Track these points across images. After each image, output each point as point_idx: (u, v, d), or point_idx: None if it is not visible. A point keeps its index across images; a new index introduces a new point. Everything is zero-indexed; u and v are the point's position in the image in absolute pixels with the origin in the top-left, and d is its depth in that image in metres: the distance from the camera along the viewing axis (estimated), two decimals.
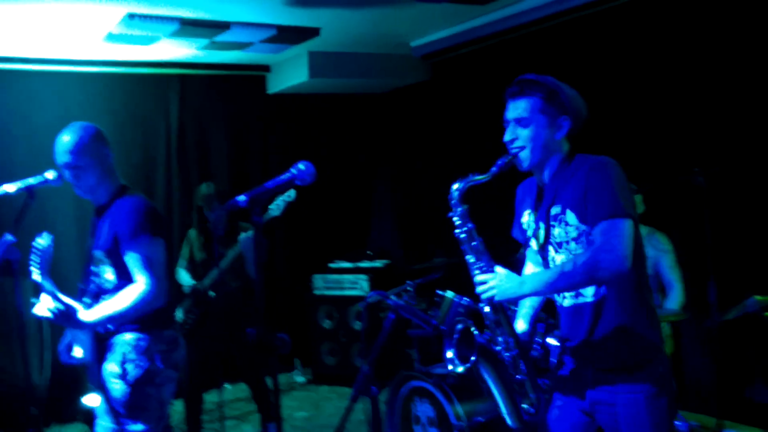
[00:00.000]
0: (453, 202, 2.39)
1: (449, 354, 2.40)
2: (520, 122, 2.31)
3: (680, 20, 4.42)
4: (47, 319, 2.84)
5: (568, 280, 2.18)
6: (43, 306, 2.83)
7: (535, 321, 2.50)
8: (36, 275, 2.85)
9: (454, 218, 2.40)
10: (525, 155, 2.32)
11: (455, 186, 2.38)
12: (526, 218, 2.48)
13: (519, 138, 2.32)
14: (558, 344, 2.40)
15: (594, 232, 2.18)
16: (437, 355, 5.14)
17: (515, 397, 2.37)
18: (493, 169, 2.32)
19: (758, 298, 3.51)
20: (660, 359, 2.28)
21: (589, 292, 2.29)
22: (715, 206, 3.62)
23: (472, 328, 2.48)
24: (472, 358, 2.34)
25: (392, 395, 4.05)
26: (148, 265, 2.85)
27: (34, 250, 2.87)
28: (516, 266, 2.44)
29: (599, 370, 2.28)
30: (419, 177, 6.70)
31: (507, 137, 2.35)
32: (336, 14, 4.93)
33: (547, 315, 2.51)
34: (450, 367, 2.40)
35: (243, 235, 4.56)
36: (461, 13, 5.17)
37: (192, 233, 4.99)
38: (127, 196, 2.98)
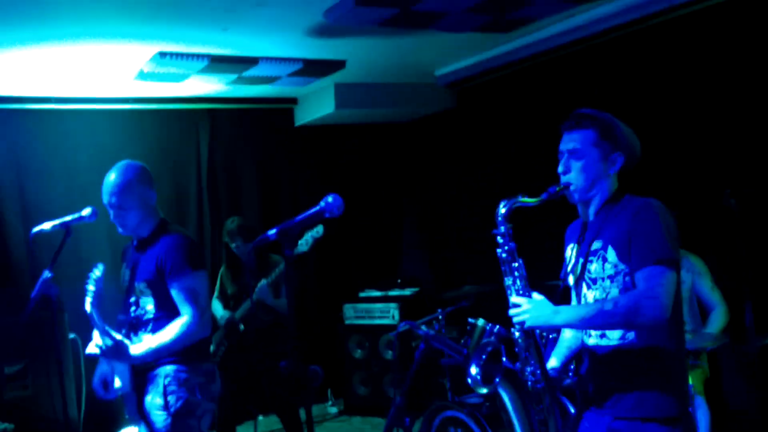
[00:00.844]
0: (498, 219, 2.38)
1: (473, 370, 2.37)
2: (574, 154, 2.32)
3: (710, 41, 4.40)
4: (96, 355, 2.92)
5: (605, 319, 2.15)
6: (93, 343, 2.91)
7: (567, 361, 2.48)
8: (88, 305, 2.93)
9: (497, 236, 2.40)
10: (576, 187, 2.33)
11: (502, 204, 2.38)
12: (569, 252, 2.47)
13: (571, 170, 2.33)
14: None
15: (637, 276, 2.16)
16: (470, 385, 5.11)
17: (536, 430, 2.34)
18: (543, 195, 2.33)
19: None
20: (683, 418, 2.20)
21: (615, 335, 2.26)
22: (748, 228, 3.57)
23: (502, 352, 2.46)
24: (497, 380, 2.32)
25: (426, 426, 4.02)
26: (193, 298, 2.93)
27: (89, 280, 2.97)
28: (554, 297, 2.42)
29: (617, 419, 2.23)
30: (447, 204, 6.70)
31: (560, 168, 2.36)
32: (361, 46, 4.99)
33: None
34: (470, 381, 2.37)
35: (258, 286, 4.59)
36: (485, 41, 5.20)
37: (223, 270, 5.05)
38: (169, 231, 3.09)
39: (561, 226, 2.60)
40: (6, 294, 5.26)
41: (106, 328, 2.88)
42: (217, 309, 4.94)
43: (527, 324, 2.25)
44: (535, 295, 2.31)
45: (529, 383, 2.33)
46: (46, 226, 3.08)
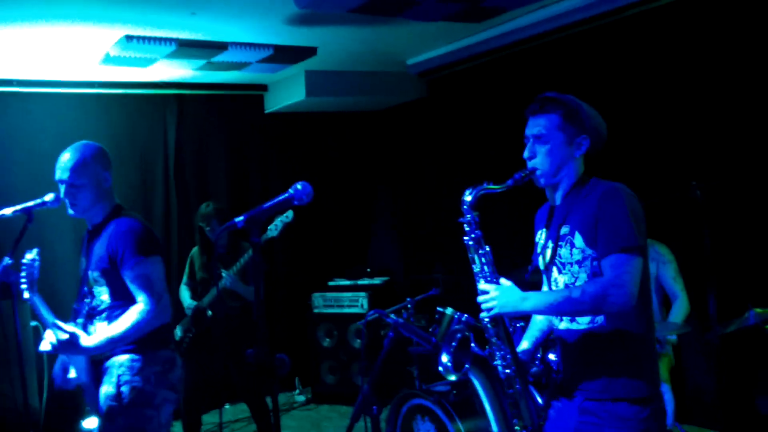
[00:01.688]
0: (464, 207, 2.37)
1: (444, 358, 2.37)
2: (539, 139, 2.32)
3: (675, 34, 4.45)
4: (50, 351, 2.85)
5: (572, 306, 2.18)
6: (46, 341, 2.83)
7: (538, 344, 2.50)
8: (26, 293, 2.86)
9: (464, 224, 2.39)
10: (542, 172, 2.33)
11: (468, 191, 2.37)
12: (539, 236, 2.48)
13: (537, 154, 2.33)
14: (557, 359, 2.39)
15: (603, 263, 2.18)
16: (438, 372, 5.14)
17: (509, 415, 2.35)
18: (509, 181, 2.32)
19: (758, 310, 3.51)
20: (653, 399, 2.24)
21: (584, 320, 2.29)
22: (713, 220, 3.63)
23: (471, 339, 2.46)
24: (466, 366, 2.32)
25: (393, 414, 4.03)
26: (148, 285, 2.85)
27: (22, 266, 2.88)
28: (522, 283, 2.43)
29: (587, 400, 2.26)
30: (417, 193, 6.72)
31: (526, 153, 2.36)
32: (333, 33, 4.96)
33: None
34: (441, 369, 2.38)
35: (225, 273, 4.56)
36: (456, 31, 5.20)
37: (194, 252, 5.00)
38: (121, 216, 2.98)
39: (530, 211, 2.61)
40: None
41: (56, 321, 2.80)
42: (185, 297, 4.89)
43: (495, 310, 2.26)
44: (503, 281, 2.32)
45: (500, 368, 2.34)
46: (7, 211, 3.00)
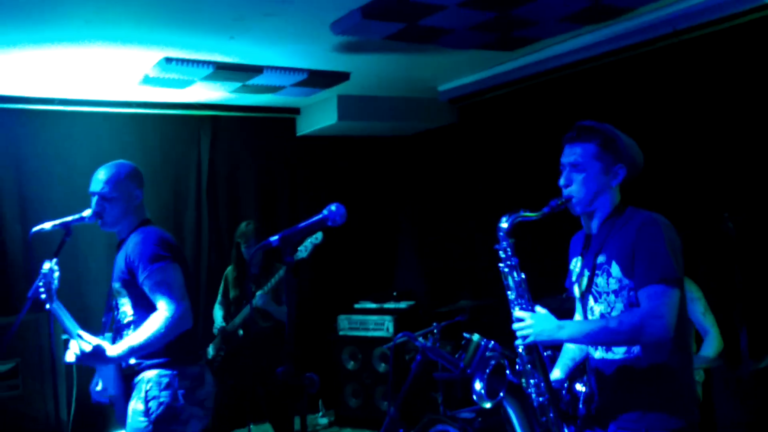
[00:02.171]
0: (500, 234, 2.38)
1: (478, 386, 2.37)
2: (576, 167, 2.33)
3: (708, 64, 4.44)
4: (74, 362, 2.88)
5: (609, 337, 2.18)
6: (71, 352, 2.86)
7: (570, 373, 2.49)
8: (47, 303, 2.89)
9: (500, 251, 2.40)
10: (578, 200, 2.33)
11: (504, 219, 2.38)
12: (574, 264, 2.48)
13: (573, 182, 2.34)
14: (585, 389, 2.38)
15: (641, 294, 2.18)
16: (462, 398, 5.10)
17: None
18: (545, 209, 2.33)
19: None
20: (689, 430, 2.23)
21: (620, 350, 2.28)
22: (745, 252, 3.59)
23: (506, 366, 2.46)
24: (501, 394, 2.32)
25: None
26: (168, 289, 2.86)
27: (40, 275, 2.91)
28: (559, 311, 2.43)
29: (621, 429, 2.25)
30: (445, 219, 6.72)
31: (562, 181, 2.37)
32: (366, 59, 5.03)
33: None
34: (474, 396, 2.38)
35: (259, 293, 4.60)
36: (489, 58, 5.24)
37: (229, 270, 5.05)
38: (142, 227, 3.04)
39: (564, 239, 2.61)
40: (2, 293, 5.26)
41: (80, 332, 2.82)
42: (218, 316, 4.94)
43: (531, 338, 2.26)
44: (539, 309, 2.32)
45: (533, 396, 2.33)
46: (46, 225, 3.07)
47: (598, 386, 2.35)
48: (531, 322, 2.26)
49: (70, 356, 2.87)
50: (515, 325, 2.30)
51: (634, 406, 2.22)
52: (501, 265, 2.40)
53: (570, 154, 2.35)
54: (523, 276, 2.38)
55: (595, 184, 2.32)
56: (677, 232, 2.25)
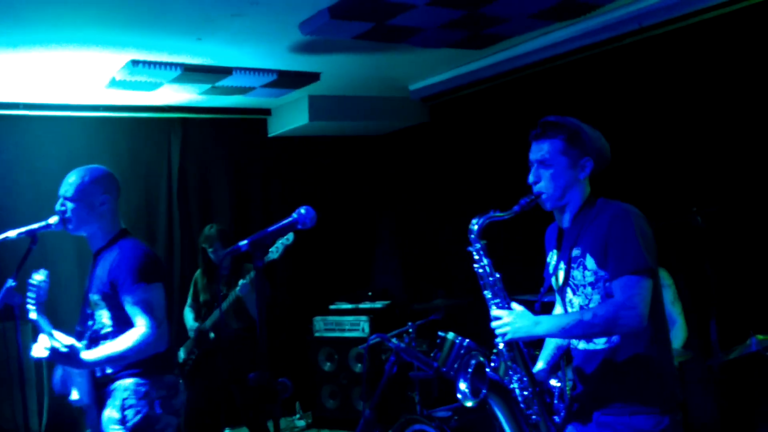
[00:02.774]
0: (472, 236, 2.40)
1: (462, 386, 2.39)
2: (543, 164, 2.35)
3: (675, 60, 4.50)
4: (44, 359, 2.81)
5: (584, 330, 2.21)
6: (41, 346, 2.80)
7: (554, 363, 2.51)
8: (32, 313, 2.84)
9: (473, 253, 2.42)
10: (547, 195, 2.36)
11: (474, 221, 2.40)
12: (551, 257, 2.51)
13: (542, 179, 2.36)
14: (559, 385, 2.40)
15: (614, 285, 2.21)
16: (438, 397, 5.11)
17: None
18: (516, 207, 2.35)
19: (760, 337, 3.51)
20: (672, 410, 2.27)
21: (600, 341, 2.32)
22: (715, 246, 3.64)
23: (486, 364, 2.47)
24: (483, 392, 2.33)
25: None
26: (149, 310, 2.84)
27: (29, 287, 2.87)
28: (532, 307, 2.45)
29: (604, 414, 2.29)
30: (419, 217, 6.73)
31: (530, 179, 2.39)
32: (336, 59, 5.01)
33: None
34: (459, 396, 2.39)
35: (242, 282, 4.57)
36: (459, 57, 5.26)
37: (198, 274, 5.01)
38: (125, 240, 2.99)
39: (538, 233, 2.62)
40: None
41: (53, 333, 2.78)
42: (189, 319, 4.90)
43: (509, 336, 2.29)
44: (515, 306, 2.34)
45: (518, 391, 2.36)
46: (12, 233, 3.01)
47: (582, 377, 2.38)
48: (508, 320, 2.28)
49: (39, 350, 2.79)
50: (493, 324, 2.33)
51: (617, 391, 2.26)
52: (475, 266, 2.43)
53: (537, 151, 2.37)
54: (497, 275, 2.40)
55: (564, 179, 2.34)
56: (648, 221, 2.28)
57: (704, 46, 4.31)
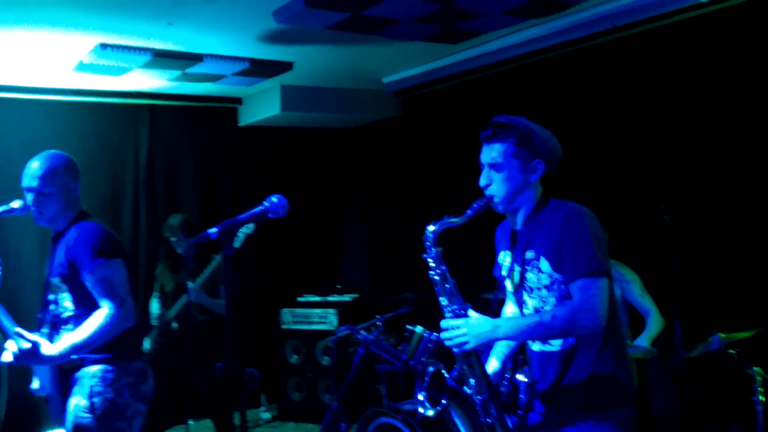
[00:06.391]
0: (427, 243, 2.39)
1: (420, 397, 2.38)
2: (494, 167, 2.34)
3: (644, 60, 4.55)
4: (13, 363, 2.77)
5: (543, 332, 2.21)
6: (9, 352, 2.76)
7: (507, 361, 2.51)
8: None
9: (429, 260, 2.41)
10: (499, 199, 2.35)
11: (430, 228, 2.39)
12: (502, 258, 2.50)
13: (493, 181, 2.35)
14: (527, 380, 2.41)
15: (571, 287, 2.22)
16: (406, 390, 5.11)
17: None
18: (469, 212, 2.34)
19: (722, 335, 3.57)
20: (626, 404, 2.30)
21: (556, 342, 2.32)
22: (680, 244, 3.69)
23: (444, 371, 2.47)
24: (443, 402, 2.33)
25: None
26: (109, 288, 2.80)
27: None
28: (489, 306, 2.45)
29: (563, 414, 2.31)
30: (389, 211, 6.72)
31: (482, 181, 2.37)
32: (310, 49, 4.97)
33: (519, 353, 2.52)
34: (420, 410, 2.38)
35: (191, 285, 4.51)
36: (433, 51, 5.25)
37: (160, 265, 4.94)
38: (82, 221, 2.94)
39: (490, 232, 2.62)
40: None
41: (16, 328, 2.73)
42: (154, 308, 4.84)
43: (470, 344, 2.25)
44: (472, 314, 2.32)
45: (476, 397, 2.35)
46: None
47: (539, 377, 2.39)
48: (466, 330, 2.25)
49: (7, 356, 2.77)
50: (449, 333, 2.28)
51: (574, 392, 2.28)
52: (431, 272, 2.41)
53: (488, 153, 2.36)
54: (453, 282, 2.39)
55: (515, 182, 2.33)
56: (600, 221, 2.29)
57: (677, 48, 4.37)
